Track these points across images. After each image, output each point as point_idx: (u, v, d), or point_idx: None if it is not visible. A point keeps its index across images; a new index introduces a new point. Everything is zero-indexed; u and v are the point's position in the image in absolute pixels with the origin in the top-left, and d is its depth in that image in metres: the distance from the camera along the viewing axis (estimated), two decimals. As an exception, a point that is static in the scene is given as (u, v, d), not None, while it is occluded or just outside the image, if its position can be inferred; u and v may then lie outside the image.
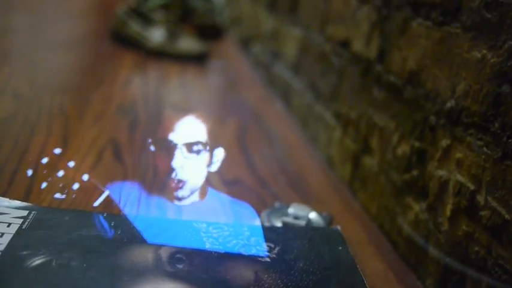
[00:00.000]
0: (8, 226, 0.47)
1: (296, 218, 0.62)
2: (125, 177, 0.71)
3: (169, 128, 0.70)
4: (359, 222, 0.72)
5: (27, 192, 0.62)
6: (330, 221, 0.65)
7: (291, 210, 0.64)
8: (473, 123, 0.54)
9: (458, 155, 0.55)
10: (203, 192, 0.64)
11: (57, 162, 0.72)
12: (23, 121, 0.87)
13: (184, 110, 1.10)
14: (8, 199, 0.52)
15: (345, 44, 0.89)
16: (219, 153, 0.67)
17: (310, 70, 1.08)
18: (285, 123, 1.12)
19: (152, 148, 0.67)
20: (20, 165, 0.68)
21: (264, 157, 0.90)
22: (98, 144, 0.82)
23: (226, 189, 0.74)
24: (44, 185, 0.64)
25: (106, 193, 0.58)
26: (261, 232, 0.53)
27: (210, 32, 1.98)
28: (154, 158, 0.69)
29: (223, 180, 0.77)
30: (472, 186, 0.53)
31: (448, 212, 0.56)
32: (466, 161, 0.54)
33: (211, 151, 0.66)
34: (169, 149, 0.63)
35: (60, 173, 0.68)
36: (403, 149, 0.67)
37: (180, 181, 0.61)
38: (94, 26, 1.85)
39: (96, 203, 0.57)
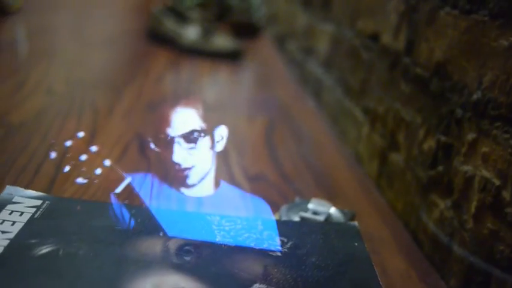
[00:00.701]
0: (21, 215, 0.47)
1: (315, 213, 0.61)
2: (147, 171, 0.72)
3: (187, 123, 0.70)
4: (384, 220, 0.70)
5: (50, 183, 0.63)
6: (351, 217, 0.63)
7: (310, 205, 0.62)
8: (499, 116, 0.51)
9: (484, 149, 0.53)
10: (215, 181, 0.63)
11: (81, 156, 0.72)
12: (53, 116, 0.89)
13: (212, 107, 1.09)
14: (23, 189, 0.52)
15: (374, 37, 0.87)
16: (222, 132, 0.66)
17: (340, 66, 1.06)
18: (315, 120, 1.11)
19: (152, 145, 0.66)
20: (46, 157, 0.70)
21: (290, 153, 0.89)
22: (124, 139, 0.83)
23: (248, 185, 0.73)
24: (66, 176, 0.65)
25: (125, 182, 0.58)
26: (274, 226, 0.52)
27: (246, 30, 1.98)
28: (163, 152, 0.68)
29: (246, 176, 0.77)
30: (497, 182, 0.50)
31: (472, 209, 0.53)
32: (492, 155, 0.51)
33: (211, 134, 0.65)
34: (170, 143, 0.63)
35: (84, 166, 0.69)
36: (429, 144, 0.64)
37: (186, 168, 0.61)
38: (131, 25, 1.88)
39: (115, 191, 0.57)
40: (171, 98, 1.11)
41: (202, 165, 0.63)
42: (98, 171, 0.66)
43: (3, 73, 1.13)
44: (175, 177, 0.61)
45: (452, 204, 0.57)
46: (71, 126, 0.84)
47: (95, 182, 0.63)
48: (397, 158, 0.73)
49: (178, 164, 0.61)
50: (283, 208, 0.62)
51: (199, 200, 0.60)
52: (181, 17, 1.61)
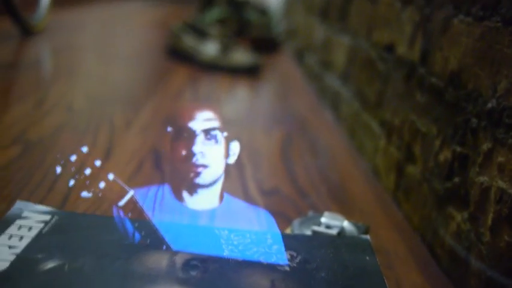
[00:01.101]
0: (29, 230, 0.47)
1: (328, 227, 0.60)
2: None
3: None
4: (400, 234, 0.69)
5: (64, 199, 0.63)
6: (365, 231, 0.61)
7: (323, 219, 0.61)
8: (515, 124, 0.49)
9: (500, 158, 0.51)
10: (221, 194, 0.63)
11: (97, 171, 0.73)
12: (71, 131, 0.90)
13: (229, 121, 1.09)
14: (33, 204, 0.52)
15: (390, 48, 0.86)
16: (235, 147, 0.66)
17: (357, 78, 1.05)
18: (332, 133, 1.10)
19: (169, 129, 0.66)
20: (61, 173, 0.70)
21: (306, 167, 0.88)
22: (139, 153, 0.83)
23: (262, 199, 0.73)
24: (79, 192, 0.65)
25: (128, 195, 0.58)
26: (283, 240, 0.51)
27: (266, 45, 1.99)
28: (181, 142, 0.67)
29: (260, 190, 0.76)
30: (514, 193, 0.48)
31: (489, 222, 0.51)
32: (508, 165, 0.50)
33: (226, 145, 0.64)
34: (191, 135, 0.62)
35: (95, 181, 0.69)
36: (445, 155, 0.63)
37: (202, 165, 0.60)
38: (151, 42, 1.91)
39: (118, 204, 0.57)
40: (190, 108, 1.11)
41: (215, 168, 0.62)
42: (109, 186, 0.66)
43: (25, 91, 1.15)
44: (189, 171, 0.60)
45: (468, 217, 0.56)
46: (87, 141, 0.85)
47: (104, 196, 0.63)
48: (413, 170, 0.71)
49: (195, 158, 0.61)
50: (296, 222, 0.61)
51: (203, 213, 0.59)
52: (201, 33, 1.62)
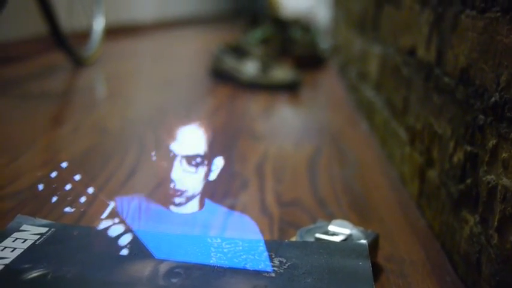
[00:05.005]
0: (23, 242, 0.49)
1: (334, 234, 0.58)
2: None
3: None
4: (421, 242, 0.65)
5: (79, 216, 0.65)
6: (374, 238, 0.59)
7: (331, 227, 0.59)
8: (516, 117, 0.46)
9: (504, 154, 0.48)
10: (200, 201, 0.62)
11: (116, 189, 0.75)
12: (101, 153, 0.93)
13: (259, 136, 1.09)
14: (33, 217, 0.54)
15: (412, 52, 0.83)
16: (219, 162, 0.65)
17: (387, 86, 1.02)
18: (364, 144, 1.07)
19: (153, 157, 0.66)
20: (82, 193, 0.72)
21: (331, 178, 0.86)
22: (163, 173, 0.84)
23: (279, 210, 0.72)
24: (95, 212, 0.66)
25: (111, 207, 0.59)
26: (275, 247, 0.50)
27: (311, 62, 1.98)
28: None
29: (279, 202, 0.75)
30: (517, 190, 0.45)
31: (496, 222, 0.48)
32: (511, 161, 0.46)
33: (209, 162, 0.64)
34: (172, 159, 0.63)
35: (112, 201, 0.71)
36: (458, 156, 0.59)
37: (179, 190, 0.60)
38: (197, 66, 1.94)
39: (102, 217, 0.58)
40: (220, 131, 1.12)
41: (193, 190, 0.62)
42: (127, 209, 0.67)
43: (66, 116, 1.20)
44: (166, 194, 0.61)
45: (480, 219, 0.52)
46: (114, 162, 0.87)
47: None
48: (433, 174, 0.68)
49: (173, 183, 0.61)
50: (302, 230, 0.60)
51: (184, 219, 0.59)
52: (242, 54, 1.64)
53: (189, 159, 0.62)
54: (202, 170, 0.63)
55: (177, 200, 0.72)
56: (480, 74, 0.55)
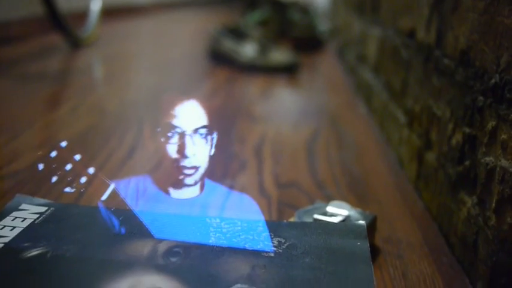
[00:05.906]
0: (23, 221, 0.49)
1: (332, 215, 0.58)
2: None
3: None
4: (418, 224, 0.66)
5: (79, 196, 0.65)
6: (372, 219, 0.59)
7: (329, 208, 0.59)
8: (516, 98, 0.46)
9: (503, 136, 0.48)
10: (201, 182, 0.62)
11: (115, 169, 0.75)
12: (100, 133, 0.93)
13: (258, 119, 1.09)
14: (31, 197, 0.54)
15: (411, 34, 0.83)
16: (217, 144, 0.65)
17: (386, 68, 1.02)
18: (363, 126, 1.07)
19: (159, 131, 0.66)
20: (82, 171, 0.72)
21: (329, 160, 0.86)
22: (161, 153, 0.84)
23: (277, 191, 0.72)
24: (94, 190, 0.66)
25: (111, 188, 0.59)
26: (275, 227, 0.50)
27: (309, 44, 1.97)
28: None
29: (276, 183, 0.75)
30: (515, 171, 0.45)
31: (493, 204, 0.48)
32: (510, 142, 0.46)
33: (210, 137, 0.63)
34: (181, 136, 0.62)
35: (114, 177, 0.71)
36: (457, 138, 0.59)
37: (192, 167, 0.60)
38: (196, 48, 1.93)
39: (103, 197, 0.58)
40: (219, 113, 1.12)
41: (203, 167, 0.62)
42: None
43: (64, 98, 1.20)
44: (179, 173, 0.61)
45: (477, 201, 0.52)
46: (113, 141, 0.87)
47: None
48: (431, 157, 0.68)
49: (187, 160, 0.61)
50: (300, 211, 0.60)
51: (185, 202, 0.59)
52: (240, 36, 1.63)
53: (188, 139, 0.62)
54: (200, 150, 0.63)
55: (176, 180, 0.72)
56: (480, 55, 0.55)
